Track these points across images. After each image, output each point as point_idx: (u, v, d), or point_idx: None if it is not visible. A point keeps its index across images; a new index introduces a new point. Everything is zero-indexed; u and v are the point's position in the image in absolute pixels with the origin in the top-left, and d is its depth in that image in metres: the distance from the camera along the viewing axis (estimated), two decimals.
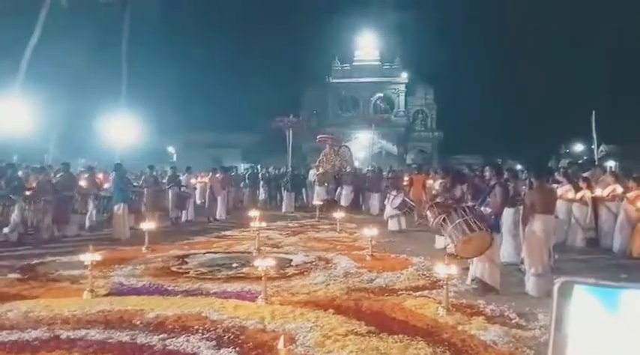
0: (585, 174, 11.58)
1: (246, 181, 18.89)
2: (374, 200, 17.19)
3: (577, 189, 10.07)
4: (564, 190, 9.89)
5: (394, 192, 12.46)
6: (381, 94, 42.55)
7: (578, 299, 0.67)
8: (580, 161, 22.84)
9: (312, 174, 19.09)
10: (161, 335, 4.56)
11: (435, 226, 6.33)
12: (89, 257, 6.00)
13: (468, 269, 6.56)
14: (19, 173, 12.33)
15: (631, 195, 8.88)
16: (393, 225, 12.01)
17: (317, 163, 20.10)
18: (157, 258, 8.36)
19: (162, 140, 33.99)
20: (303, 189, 19.44)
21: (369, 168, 21.46)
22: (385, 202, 13.37)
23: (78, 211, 11.87)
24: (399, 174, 15.97)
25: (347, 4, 41.57)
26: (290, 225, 13.32)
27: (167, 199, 13.64)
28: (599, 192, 9.87)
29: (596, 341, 0.65)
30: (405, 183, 14.61)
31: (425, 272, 7.18)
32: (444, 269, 5.38)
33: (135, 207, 11.87)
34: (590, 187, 10.07)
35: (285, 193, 18.08)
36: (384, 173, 18.45)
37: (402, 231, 11.79)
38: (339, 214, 11.75)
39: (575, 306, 0.67)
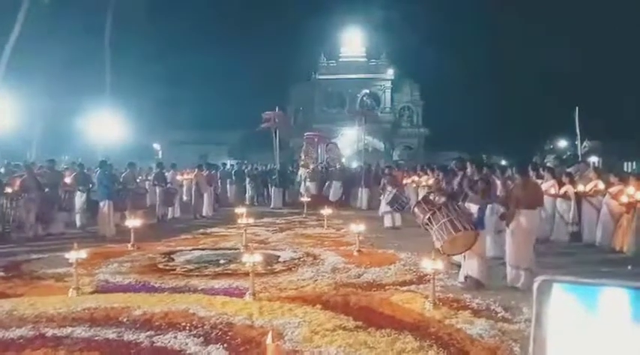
0: (569, 170, 11.74)
1: (233, 178, 18.83)
2: (363, 195, 17.28)
3: (560, 184, 10.21)
4: (548, 186, 10.01)
5: (389, 189, 12.51)
6: (367, 91, 42.55)
7: (557, 298, 0.68)
8: (564, 157, 23.16)
9: (303, 172, 19.11)
10: (148, 332, 4.54)
11: (422, 224, 6.36)
12: (74, 254, 5.94)
13: (457, 264, 6.62)
14: (1, 170, 12.14)
15: (613, 190, 9.01)
16: (387, 222, 12.06)
17: (301, 161, 20.12)
18: (144, 255, 8.31)
19: (147, 137, 33.69)
20: (291, 186, 19.44)
21: (359, 164, 21.56)
22: (380, 198, 13.41)
23: (64, 208, 11.73)
24: (396, 171, 15.75)
25: (333, 1, 41.58)
26: (277, 221, 13.31)
27: (146, 197, 13.42)
28: (581, 187, 10.00)
29: (576, 340, 0.66)
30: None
31: (412, 268, 7.23)
32: (430, 265, 5.43)
33: (120, 204, 11.75)
34: (572, 183, 10.21)
35: (273, 189, 18.10)
36: (373, 169, 18.56)
37: (395, 227, 11.82)
38: (326, 210, 11.77)
39: (555, 305, 0.68)
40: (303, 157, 20.30)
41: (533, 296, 0.68)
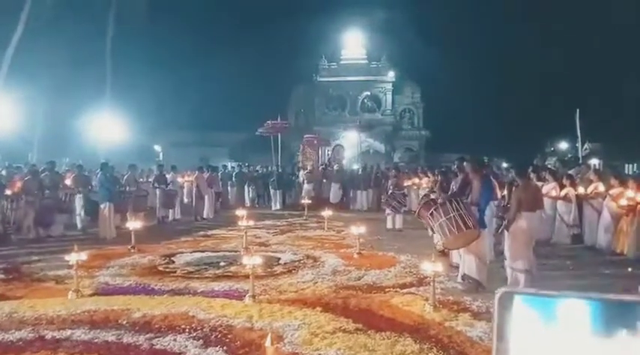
0: (570, 172, 11.73)
1: (233, 180, 18.84)
2: (362, 197, 17.31)
3: (561, 186, 10.20)
4: (549, 188, 10.00)
5: (391, 190, 12.53)
6: (368, 93, 42.55)
7: (518, 310, 0.68)
8: (565, 159, 23.12)
9: (302, 174, 19.14)
10: (148, 335, 4.53)
11: (426, 218, 6.36)
12: (74, 256, 5.94)
13: (457, 267, 6.61)
14: (2, 172, 12.16)
15: (614, 192, 8.99)
16: (388, 223, 12.06)
17: (299, 163, 20.15)
18: (144, 258, 8.30)
19: (148, 139, 33.71)
20: (293, 188, 19.44)
21: (358, 166, 21.57)
22: (383, 200, 13.40)
23: (64, 210, 11.74)
24: (402, 174, 15.55)
25: (334, 3, 41.64)
26: (278, 223, 13.30)
27: (147, 199, 13.44)
28: (582, 189, 9.99)
29: (537, 352, 0.66)
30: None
31: (412, 270, 7.22)
32: (430, 267, 5.42)
33: (121, 206, 11.76)
34: (573, 185, 10.20)
35: (273, 192, 18.13)
36: (374, 171, 18.60)
37: (396, 229, 11.80)
38: (327, 212, 11.76)
39: (516, 316, 0.68)
40: (301, 159, 20.35)
41: (494, 308, 0.67)
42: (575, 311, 0.63)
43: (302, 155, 20.16)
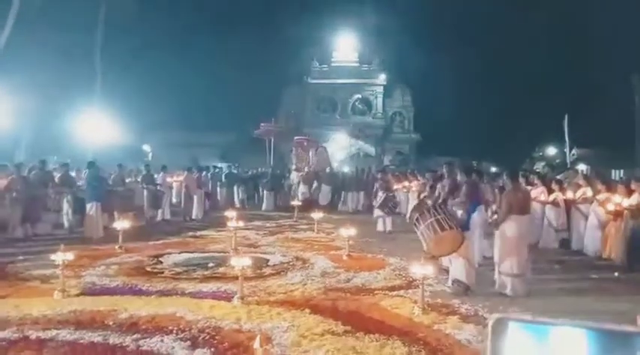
0: (558, 177, 11.83)
1: (223, 181, 18.77)
2: (353, 199, 17.37)
3: (550, 191, 10.27)
4: (538, 192, 10.06)
5: (380, 193, 12.54)
6: (359, 96, 42.69)
7: (512, 337, 0.66)
8: (553, 164, 23.33)
9: (296, 176, 19.13)
10: (134, 336, 4.49)
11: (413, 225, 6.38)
12: (61, 256, 5.87)
13: (446, 270, 6.62)
14: None
15: (601, 197, 9.07)
16: (379, 226, 12.07)
17: (294, 165, 20.15)
18: (131, 258, 8.23)
19: (137, 138, 33.44)
20: (284, 189, 19.43)
21: (349, 168, 21.66)
22: (373, 203, 13.42)
23: (51, 209, 11.62)
24: (389, 176, 15.62)
25: (326, 6, 41.63)
26: (267, 224, 13.26)
27: (134, 199, 13.34)
28: (570, 194, 10.07)
29: None
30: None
31: (401, 273, 7.23)
32: (419, 270, 5.43)
33: (108, 205, 11.64)
34: (562, 190, 10.28)
35: (265, 193, 18.11)
36: (365, 173, 18.66)
37: (387, 232, 11.81)
38: (317, 214, 11.74)
39: (509, 344, 0.66)
40: (294, 161, 20.34)
41: (487, 334, 0.66)
42: (571, 340, 0.62)
43: (295, 157, 20.17)
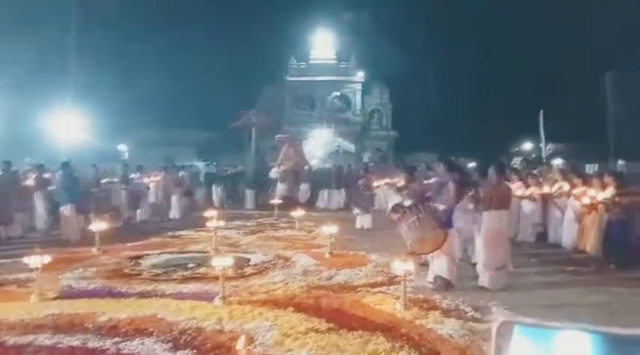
0: (534, 172, 12.02)
1: (201, 179, 18.60)
2: (334, 196, 17.43)
3: (527, 185, 10.44)
4: (515, 187, 10.20)
5: (361, 189, 12.60)
6: (338, 93, 42.80)
7: (517, 340, 0.65)
8: (529, 159, 23.72)
9: (274, 172, 19.06)
10: (114, 339, 4.41)
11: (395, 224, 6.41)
12: (37, 259, 5.73)
13: (427, 265, 6.67)
14: None
15: (577, 191, 9.25)
16: (357, 223, 12.11)
17: (278, 162, 20.10)
18: (109, 260, 8.10)
19: (112, 138, 32.91)
20: (265, 188, 19.34)
21: (329, 165, 21.70)
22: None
23: (22, 210, 11.36)
24: (371, 174, 15.61)
25: (303, 3, 41.62)
26: (248, 223, 13.18)
27: (110, 200, 13.15)
28: (547, 189, 10.25)
29: None
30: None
31: (383, 269, 7.25)
32: (401, 266, 5.45)
33: (83, 207, 11.43)
34: (538, 184, 10.45)
35: (249, 191, 18.02)
36: (344, 170, 18.70)
37: (364, 229, 11.85)
38: (297, 212, 11.71)
39: (514, 347, 0.65)
40: (280, 158, 20.27)
41: (492, 337, 0.65)
42: (576, 343, 0.61)
43: (283, 154, 20.14)
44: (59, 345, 4.30)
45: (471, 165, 21.00)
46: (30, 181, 12.07)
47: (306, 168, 19.47)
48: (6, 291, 6.16)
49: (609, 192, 8.24)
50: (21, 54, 23.28)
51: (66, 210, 10.55)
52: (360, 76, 42.22)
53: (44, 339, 4.41)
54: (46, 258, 5.94)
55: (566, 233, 9.41)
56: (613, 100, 28.52)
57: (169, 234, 11.33)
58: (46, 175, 12.69)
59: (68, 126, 23.43)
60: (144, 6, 35.96)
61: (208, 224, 9.61)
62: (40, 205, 11.80)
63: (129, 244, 9.70)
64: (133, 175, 14.69)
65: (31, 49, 23.80)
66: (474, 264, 6.98)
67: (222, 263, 5.59)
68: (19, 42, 22.80)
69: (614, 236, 7.86)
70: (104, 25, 29.62)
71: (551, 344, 0.63)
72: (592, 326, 0.63)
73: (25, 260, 5.93)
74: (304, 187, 18.06)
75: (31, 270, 5.91)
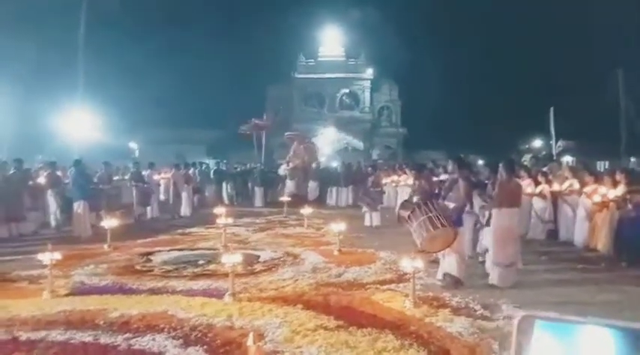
0: (544, 169, 11.94)
1: (211, 177, 18.69)
2: (343, 194, 17.46)
3: (537, 183, 10.37)
4: (525, 184, 10.14)
5: (370, 187, 12.63)
6: (347, 90, 42.68)
7: (538, 335, 0.65)
8: (539, 156, 23.54)
9: (283, 169, 19.12)
10: (126, 335, 4.45)
11: (405, 223, 6.40)
12: (48, 256, 5.80)
13: (436, 262, 6.66)
14: None
15: (588, 189, 9.18)
16: (366, 221, 12.11)
17: (287, 159, 20.16)
18: (120, 256, 8.17)
19: (124, 136, 33.12)
20: (274, 185, 19.40)
21: (338, 163, 21.73)
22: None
23: (35, 208, 11.49)
24: (380, 171, 15.62)
25: (312, 0, 41.57)
26: (257, 220, 13.23)
27: (121, 197, 13.29)
28: (557, 186, 10.18)
29: None
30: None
31: (392, 266, 7.25)
32: (410, 264, 5.45)
33: (95, 204, 11.54)
34: (548, 182, 10.39)
35: (257, 189, 18.09)
36: (354, 168, 18.71)
37: (373, 226, 11.84)
38: (306, 209, 11.73)
39: (535, 342, 0.65)
40: (290, 156, 20.35)
41: (513, 332, 0.64)
42: (598, 339, 0.60)
43: (293, 152, 20.24)
44: (71, 341, 4.35)
45: (480, 162, 20.89)
46: (42, 179, 12.19)
47: (314, 165, 19.49)
48: (18, 288, 6.24)
49: (620, 189, 8.18)
50: (32, 53, 23.49)
51: (78, 207, 10.65)
52: (369, 73, 42.08)
53: (56, 335, 4.46)
54: (58, 255, 6.00)
55: (577, 231, 9.35)
56: (624, 97, 28.21)
57: (179, 231, 11.40)
58: (58, 172, 12.82)
59: (80, 124, 23.61)
60: (154, 6, 36.13)
61: (218, 221, 9.66)
62: (52, 202, 11.91)
63: (139, 241, 9.78)
64: (144, 172, 14.80)
65: (43, 48, 23.99)
66: (483, 262, 6.96)
67: (231, 260, 5.61)
68: (31, 41, 22.99)
69: (625, 234, 7.79)
70: (115, 25, 29.82)
71: (573, 339, 0.62)
72: (617, 321, 0.63)
73: (38, 256, 6.01)
74: (312, 185, 18.09)
75: (44, 267, 5.99)
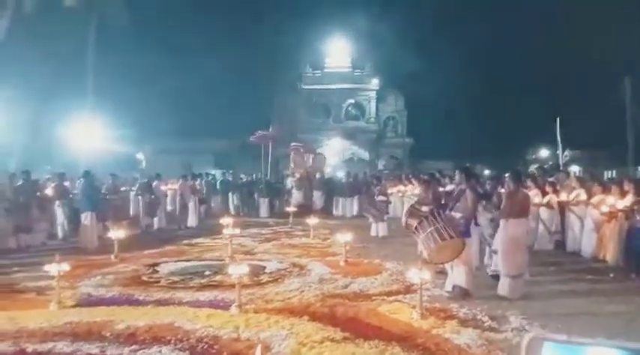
0: (551, 179, 11.88)
1: (217, 188, 18.76)
2: (348, 204, 17.45)
3: (544, 193, 10.32)
4: (532, 195, 10.09)
5: (376, 197, 12.63)
6: (352, 101, 42.77)
7: None
8: (545, 166, 23.45)
9: (290, 181, 19.19)
10: (132, 347, 4.45)
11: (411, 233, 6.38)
12: (56, 267, 5.82)
13: (443, 273, 6.62)
14: None
15: (595, 199, 9.12)
16: (372, 231, 12.09)
17: (289, 171, 20.21)
18: (127, 267, 8.18)
19: (131, 147, 33.34)
20: (280, 196, 19.43)
21: (343, 173, 21.77)
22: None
23: (43, 219, 11.55)
24: (385, 182, 15.64)
25: (318, 11, 41.82)
26: (263, 231, 13.23)
27: (128, 208, 13.35)
28: (564, 196, 10.12)
29: None
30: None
31: (399, 277, 7.22)
32: (417, 275, 5.42)
33: (103, 215, 11.59)
34: (555, 192, 10.33)
35: (262, 199, 18.13)
36: (359, 178, 18.73)
37: (379, 236, 11.81)
38: (312, 220, 11.72)
39: None
40: (292, 166, 20.41)
41: (521, 352, 0.64)
42: None
43: (293, 162, 20.31)
44: (78, 353, 4.35)
45: (487, 172, 20.84)
46: (49, 190, 12.27)
47: (317, 175, 19.52)
48: (26, 299, 6.26)
49: (629, 199, 8.12)
50: (41, 64, 23.73)
51: (86, 218, 10.71)
52: (375, 83, 42.17)
53: (63, 347, 4.47)
54: (65, 266, 6.02)
55: (585, 242, 9.27)
56: (632, 105, 28.06)
57: (186, 241, 11.42)
58: (66, 183, 12.91)
59: (87, 135, 23.81)
60: (163, 19, 36.51)
61: (224, 231, 9.67)
62: (59, 213, 11.98)
63: (146, 252, 9.80)
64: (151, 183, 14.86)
65: (50, 59, 24.24)
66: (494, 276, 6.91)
67: (238, 271, 5.61)
68: (39, 51, 23.23)
69: (634, 244, 7.72)
70: (123, 37, 30.06)
71: None
72: (625, 342, 0.63)
73: (45, 268, 6.03)
74: (317, 194, 18.11)
75: (51, 278, 6.01)
